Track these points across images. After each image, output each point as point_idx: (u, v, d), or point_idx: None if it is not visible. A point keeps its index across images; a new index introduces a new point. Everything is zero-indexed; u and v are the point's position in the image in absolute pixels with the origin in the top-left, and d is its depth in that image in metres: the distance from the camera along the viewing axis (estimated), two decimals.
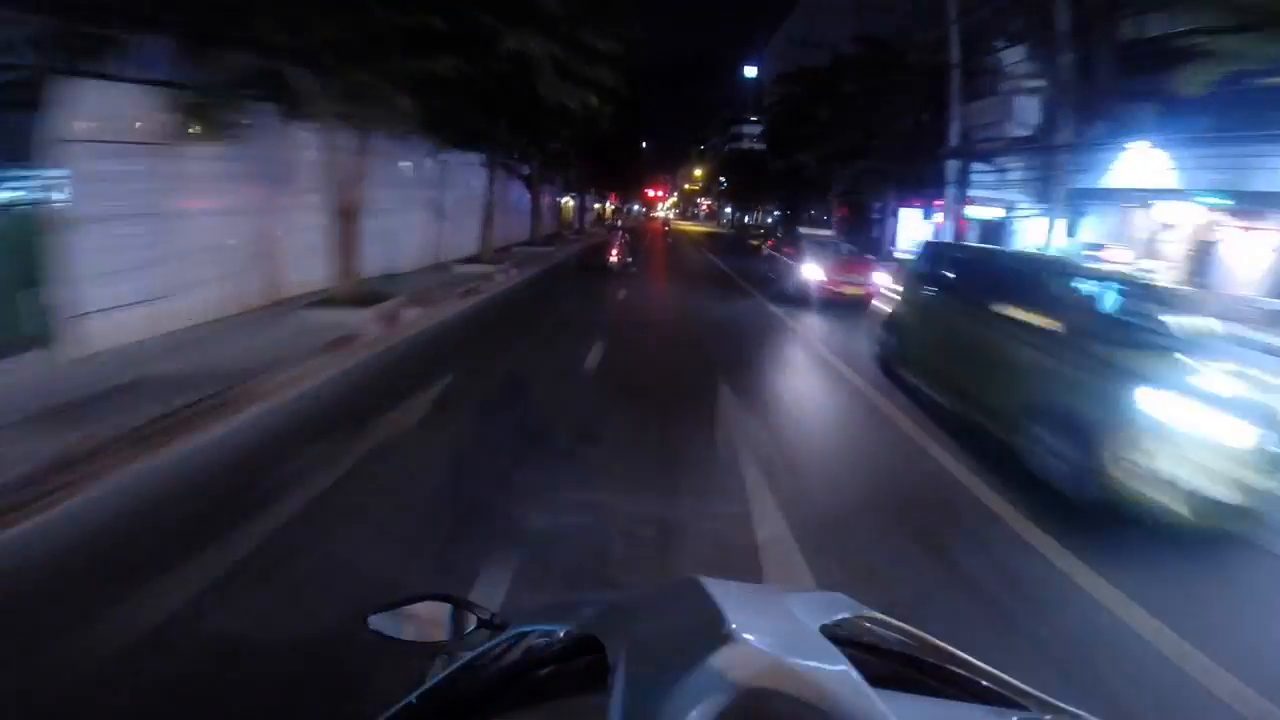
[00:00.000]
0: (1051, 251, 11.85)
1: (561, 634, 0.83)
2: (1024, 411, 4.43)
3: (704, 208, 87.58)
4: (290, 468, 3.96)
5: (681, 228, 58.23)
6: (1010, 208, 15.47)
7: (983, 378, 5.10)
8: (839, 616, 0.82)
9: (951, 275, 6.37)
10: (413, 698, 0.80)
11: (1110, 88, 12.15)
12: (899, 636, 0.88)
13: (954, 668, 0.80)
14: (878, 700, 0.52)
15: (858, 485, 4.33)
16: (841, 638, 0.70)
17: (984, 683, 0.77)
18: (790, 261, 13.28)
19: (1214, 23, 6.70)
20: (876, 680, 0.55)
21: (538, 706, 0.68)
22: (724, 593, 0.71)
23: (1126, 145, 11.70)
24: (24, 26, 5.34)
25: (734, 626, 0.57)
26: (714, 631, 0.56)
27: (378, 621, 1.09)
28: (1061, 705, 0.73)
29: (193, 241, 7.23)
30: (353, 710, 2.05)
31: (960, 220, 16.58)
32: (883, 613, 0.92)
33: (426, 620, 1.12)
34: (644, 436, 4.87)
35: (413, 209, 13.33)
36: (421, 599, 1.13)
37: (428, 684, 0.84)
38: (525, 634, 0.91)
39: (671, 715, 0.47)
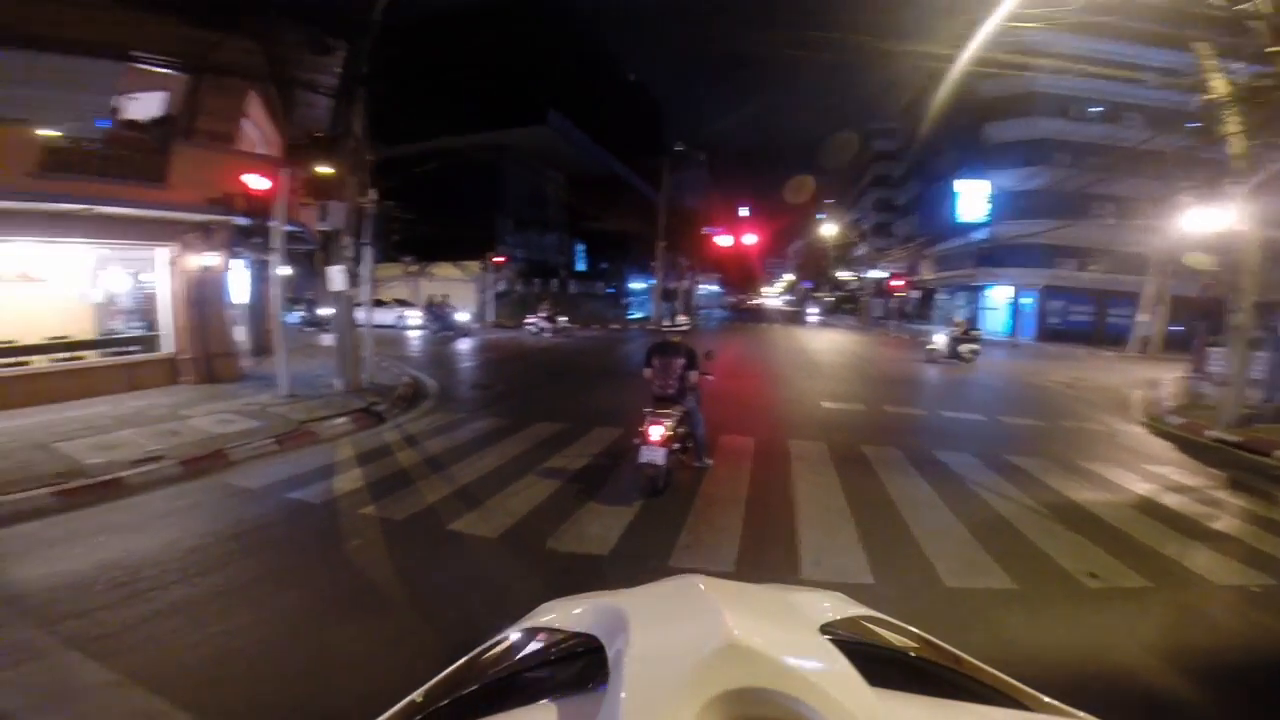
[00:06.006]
0: None
1: (562, 633, 0.84)
2: None
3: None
4: None
5: None
6: None
7: None
8: (839, 616, 0.82)
9: None
10: (416, 694, 0.81)
11: None
12: (899, 636, 0.88)
13: (954, 668, 0.80)
14: (877, 700, 0.52)
15: None
16: (841, 638, 0.70)
17: (984, 683, 0.77)
18: None
19: None
20: (876, 680, 0.55)
21: (539, 704, 0.69)
22: (724, 593, 0.71)
23: None
24: None
25: (734, 627, 0.57)
26: (714, 631, 0.56)
27: None
28: (1061, 705, 0.73)
29: None
30: None
31: None
32: (883, 613, 0.92)
33: None
34: None
35: None
36: None
37: (431, 681, 0.85)
38: (527, 633, 0.91)
39: (670, 715, 0.48)
